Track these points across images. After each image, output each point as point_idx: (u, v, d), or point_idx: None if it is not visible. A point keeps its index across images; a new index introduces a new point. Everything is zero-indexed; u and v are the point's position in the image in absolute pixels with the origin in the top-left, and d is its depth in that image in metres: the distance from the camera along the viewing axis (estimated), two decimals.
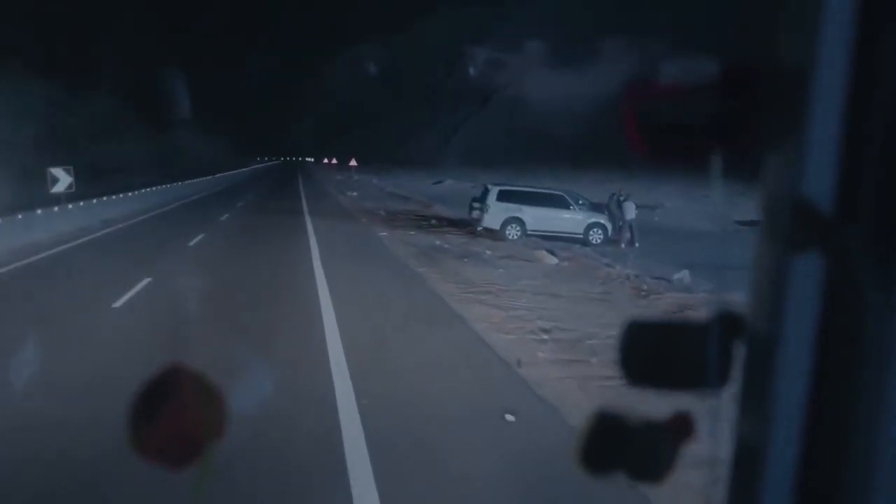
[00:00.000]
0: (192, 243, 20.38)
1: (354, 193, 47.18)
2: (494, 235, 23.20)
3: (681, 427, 0.86)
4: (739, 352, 0.80)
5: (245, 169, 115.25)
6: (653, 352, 0.89)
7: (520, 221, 23.07)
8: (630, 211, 23.13)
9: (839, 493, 0.67)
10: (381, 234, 23.99)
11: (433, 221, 28.75)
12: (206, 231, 22.73)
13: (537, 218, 23.05)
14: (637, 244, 22.99)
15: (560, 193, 24.07)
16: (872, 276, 0.67)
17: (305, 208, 34.43)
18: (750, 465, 0.73)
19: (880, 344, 0.66)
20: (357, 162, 71.46)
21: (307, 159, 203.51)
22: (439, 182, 64.89)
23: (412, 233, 24.42)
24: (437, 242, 21.46)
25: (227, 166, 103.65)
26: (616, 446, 0.88)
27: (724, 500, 0.76)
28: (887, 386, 0.66)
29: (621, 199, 24.01)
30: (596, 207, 24.22)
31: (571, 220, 23.19)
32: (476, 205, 24.39)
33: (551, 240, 22.83)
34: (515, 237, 22.95)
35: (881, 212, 0.69)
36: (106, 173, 59.67)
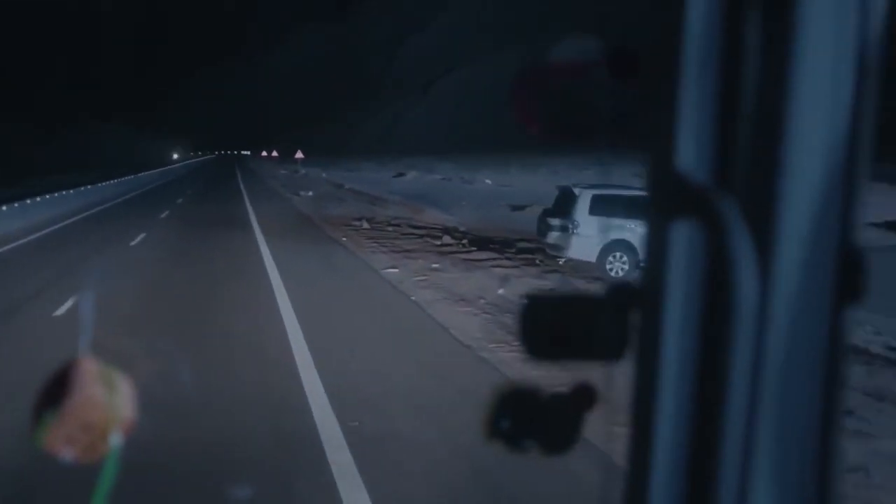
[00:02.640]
0: (59, 311, 10.37)
1: (310, 193, 36.90)
2: (586, 271, 13.64)
3: (583, 397, 0.87)
4: (635, 322, 0.79)
5: (177, 165, 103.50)
6: (553, 326, 0.88)
7: (628, 248, 13.43)
8: None
9: (722, 441, 0.71)
10: (388, 270, 14.22)
11: (446, 238, 18.98)
12: (90, 286, 12.53)
13: None
14: None
15: None
16: (746, 245, 0.70)
17: (254, 221, 24.23)
18: (645, 424, 0.75)
19: (754, 309, 0.70)
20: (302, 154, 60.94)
21: (244, 152, 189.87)
22: (401, 175, 54.81)
23: (435, 265, 14.68)
24: (501, 291, 11.76)
25: (155, 163, 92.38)
26: (524, 419, 0.89)
27: (625, 457, 0.77)
28: (761, 347, 0.70)
29: None
30: None
31: None
32: (553, 221, 14.48)
33: None
34: (621, 274, 13.37)
35: (754, 183, 0.72)
36: None
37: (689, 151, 0.73)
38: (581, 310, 0.87)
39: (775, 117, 0.70)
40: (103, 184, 40.98)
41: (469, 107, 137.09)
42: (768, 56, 0.71)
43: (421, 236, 19.81)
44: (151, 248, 18.03)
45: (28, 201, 26.93)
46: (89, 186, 37.04)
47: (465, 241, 18.45)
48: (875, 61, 0.71)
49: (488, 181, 45.97)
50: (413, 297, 11.75)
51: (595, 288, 1.22)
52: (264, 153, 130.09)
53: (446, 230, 20.56)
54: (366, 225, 22.18)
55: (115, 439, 0.96)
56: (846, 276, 0.72)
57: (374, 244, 18.21)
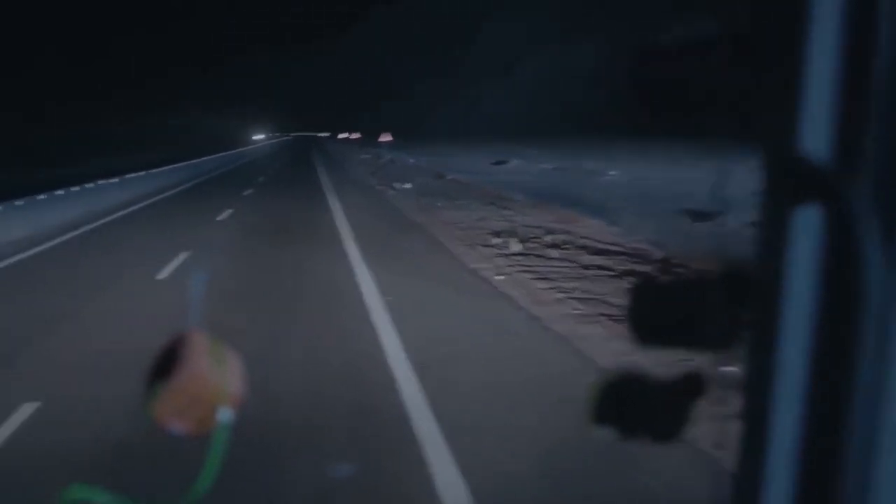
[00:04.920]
0: None
1: (408, 186, 28.99)
2: None
3: (693, 385, 0.83)
4: (746, 310, 0.74)
5: (247, 148, 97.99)
6: (661, 312, 0.84)
7: None
8: None
9: (843, 447, 0.65)
10: None
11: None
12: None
13: None
14: None
15: None
16: (872, 229, 0.65)
17: (346, 236, 16.38)
18: (758, 423, 0.70)
19: (883, 305, 0.64)
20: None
21: (320, 134, 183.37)
22: (502, 163, 46.56)
23: None
24: None
25: (230, 143, 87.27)
26: (630, 406, 0.85)
27: (736, 457, 0.71)
28: (890, 347, 0.64)
29: None
30: None
31: None
32: None
33: None
34: None
35: (881, 164, 0.65)
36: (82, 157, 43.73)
37: (813, 133, 0.66)
38: (691, 297, 0.81)
39: None
40: (169, 167, 33.83)
41: (550, 90, 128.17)
42: None
43: (619, 275, 11.64)
44: (184, 287, 10.34)
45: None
46: (142, 173, 29.86)
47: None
48: None
49: (613, 172, 37.45)
50: None
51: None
52: (343, 135, 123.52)
53: (659, 262, 12.32)
54: (515, 246, 14.09)
55: (225, 414, 0.91)
56: None
57: (559, 294, 10.18)
